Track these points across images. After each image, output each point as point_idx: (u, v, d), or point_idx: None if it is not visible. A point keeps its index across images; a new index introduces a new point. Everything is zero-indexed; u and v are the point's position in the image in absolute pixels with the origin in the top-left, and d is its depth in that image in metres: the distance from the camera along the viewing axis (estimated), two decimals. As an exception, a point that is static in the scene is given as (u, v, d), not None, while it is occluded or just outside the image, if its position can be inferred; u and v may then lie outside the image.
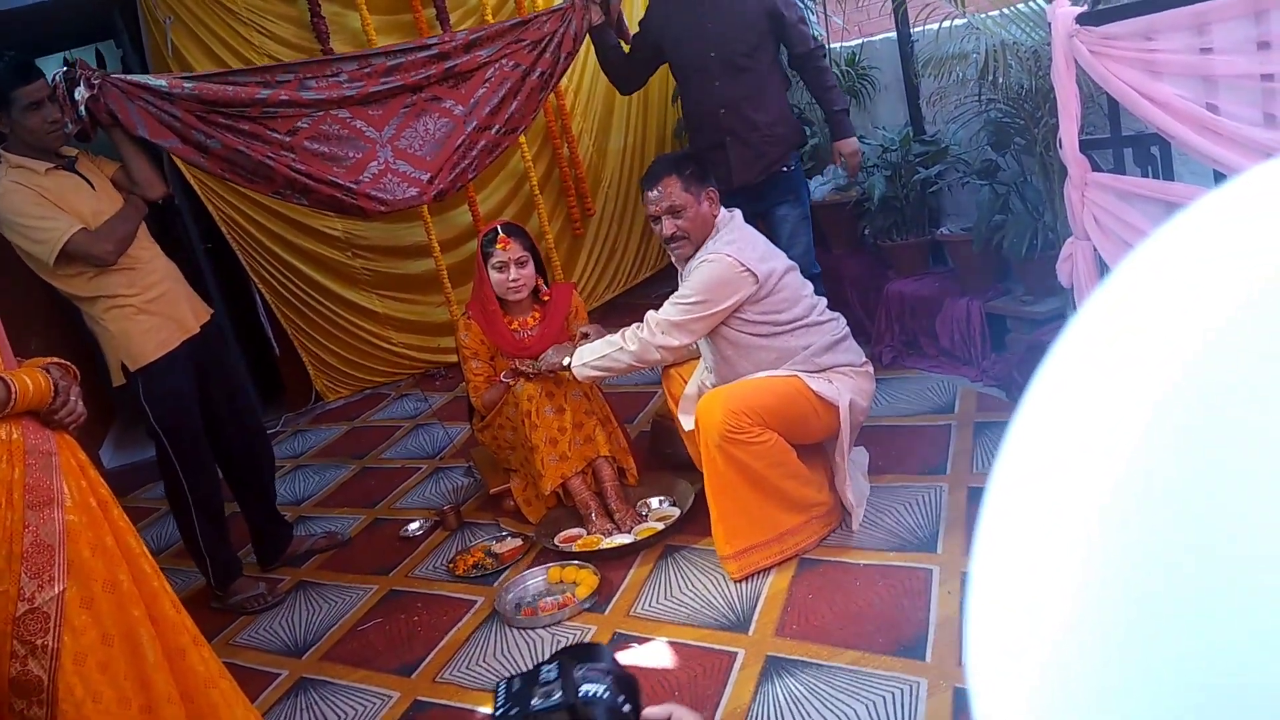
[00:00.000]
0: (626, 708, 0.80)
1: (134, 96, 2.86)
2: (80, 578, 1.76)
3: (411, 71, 3.18)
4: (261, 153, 3.02)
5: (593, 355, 2.84)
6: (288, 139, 3.07)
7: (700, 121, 3.42)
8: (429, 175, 3.22)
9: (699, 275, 2.67)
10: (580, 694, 0.77)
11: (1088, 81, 2.44)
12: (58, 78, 2.80)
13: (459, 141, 3.24)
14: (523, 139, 4.84)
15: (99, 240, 2.70)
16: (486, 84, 3.27)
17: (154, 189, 2.94)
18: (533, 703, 0.78)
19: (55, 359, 1.98)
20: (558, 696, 0.77)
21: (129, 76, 2.93)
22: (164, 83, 2.91)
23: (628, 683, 0.83)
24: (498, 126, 3.30)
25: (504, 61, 3.28)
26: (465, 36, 3.27)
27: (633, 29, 3.51)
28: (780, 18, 3.28)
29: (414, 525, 3.36)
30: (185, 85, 2.92)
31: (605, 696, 0.78)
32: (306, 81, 3.10)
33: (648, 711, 0.80)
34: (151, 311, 2.85)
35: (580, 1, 3.31)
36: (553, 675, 0.79)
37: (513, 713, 0.78)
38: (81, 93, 2.77)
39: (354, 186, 3.13)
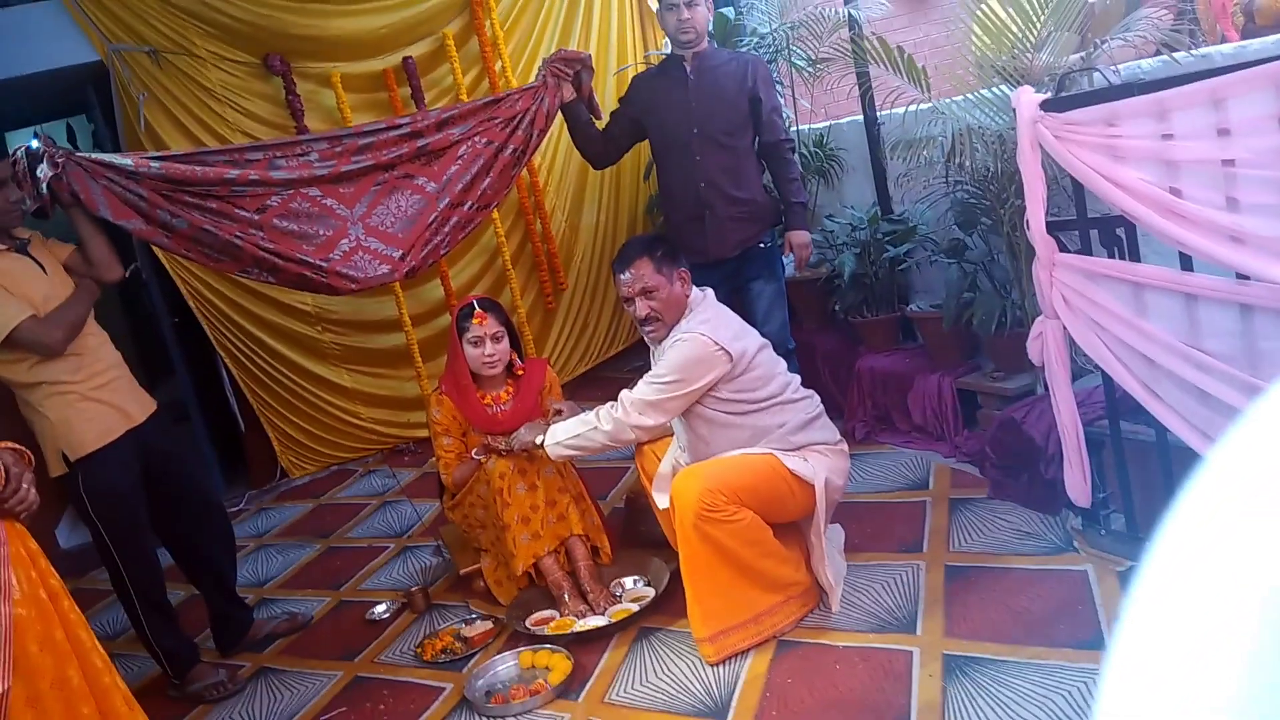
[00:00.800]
0: None
1: (98, 176, 2.79)
2: (26, 675, 1.68)
3: (383, 150, 3.18)
4: (229, 231, 2.96)
5: (566, 434, 2.81)
6: (256, 217, 3.02)
7: (680, 195, 3.48)
8: (401, 252, 3.20)
9: (673, 354, 2.67)
10: None
11: (1052, 165, 2.50)
12: (19, 154, 2.73)
13: (431, 218, 3.24)
14: (496, 214, 4.88)
15: (48, 328, 2.63)
16: (459, 161, 3.29)
17: (111, 271, 2.89)
18: None
19: (10, 444, 1.91)
20: None
21: (93, 155, 2.86)
22: (130, 162, 2.85)
23: None
24: (470, 203, 3.31)
25: (477, 139, 3.30)
26: (438, 115, 3.28)
27: (604, 108, 3.58)
28: (759, 102, 3.40)
29: (380, 608, 3.27)
30: (152, 165, 2.86)
31: None
32: (276, 160, 3.07)
33: None
34: (95, 399, 2.76)
35: (552, 80, 3.36)
36: None
37: None
38: (45, 170, 2.70)
39: (324, 264, 3.09)
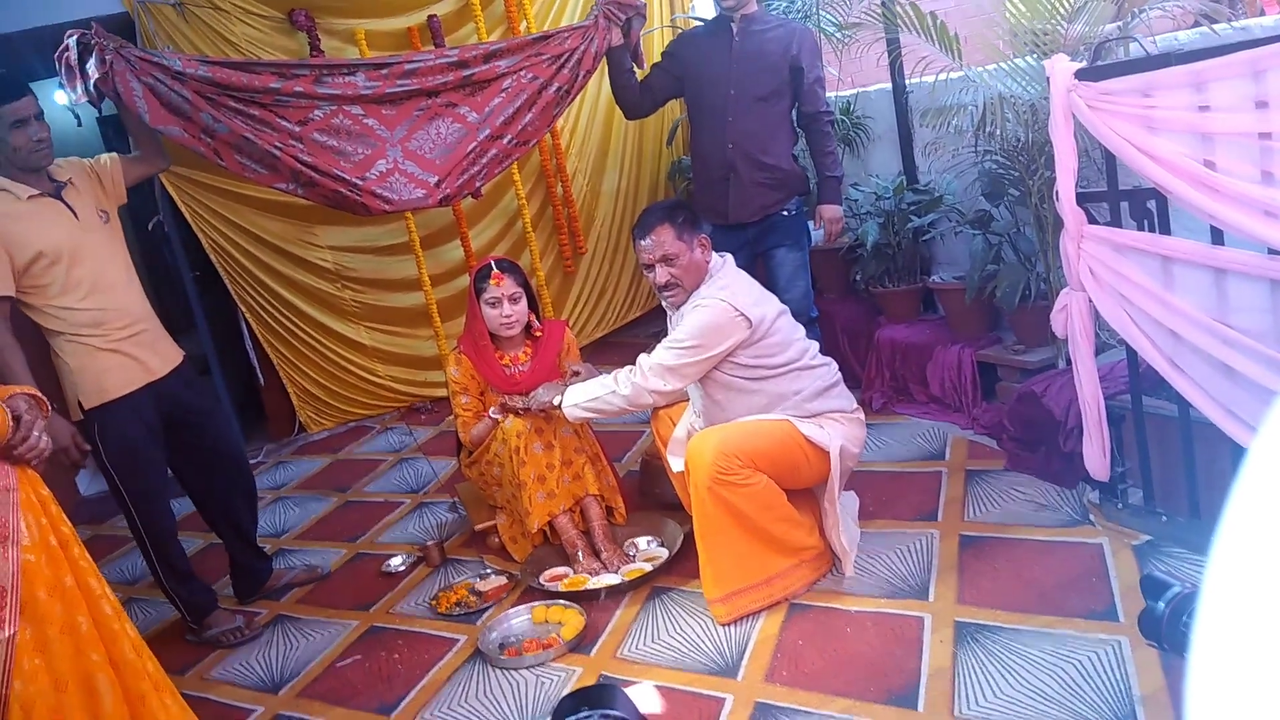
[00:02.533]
0: None
1: (144, 74, 2.82)
2: (35, 620, 1.69)
3: (429, 76, 3.20)
4: (269, 141, 2.99)
5: (584, 396, 2.82)
6: (297, 129, 3.06)
7: (708, 156, 3.46)
8: (437, 178, 3.22)
9: (692, 320, 2.66)
10: None
11: (1084, 135, 2.47)
12: (70, 43, 2.78)
13: (470, 148, 3.25)
14: (517, 177, 4.87)
15: None
16: (503, 94, 3.30)
17: (157, 161, 3.05)
18: None
19: (26, 389, 1.91)
20: None
21: (141, 51, 2.87)
22: (177, 62, 2.89)
23: None
24: (510, 137, 3.32)
25: (523, 73, 3.31)
26: (486, 47, 3.31)
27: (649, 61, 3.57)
28: (801, 72, 3.38)
29: (396, 560, 3.31)
30: (199, 68, 2.91)
31: None
32: (323, 77, 3.11)
33: None
34: (114, 350, 2.76)
35: (604, 22, 3.36)
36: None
37: None
38: (92, 67, 2.75)
39: (359, 183, 3.12)
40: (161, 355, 2.90)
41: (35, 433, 1.81)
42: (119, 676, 1.81)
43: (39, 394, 1.92)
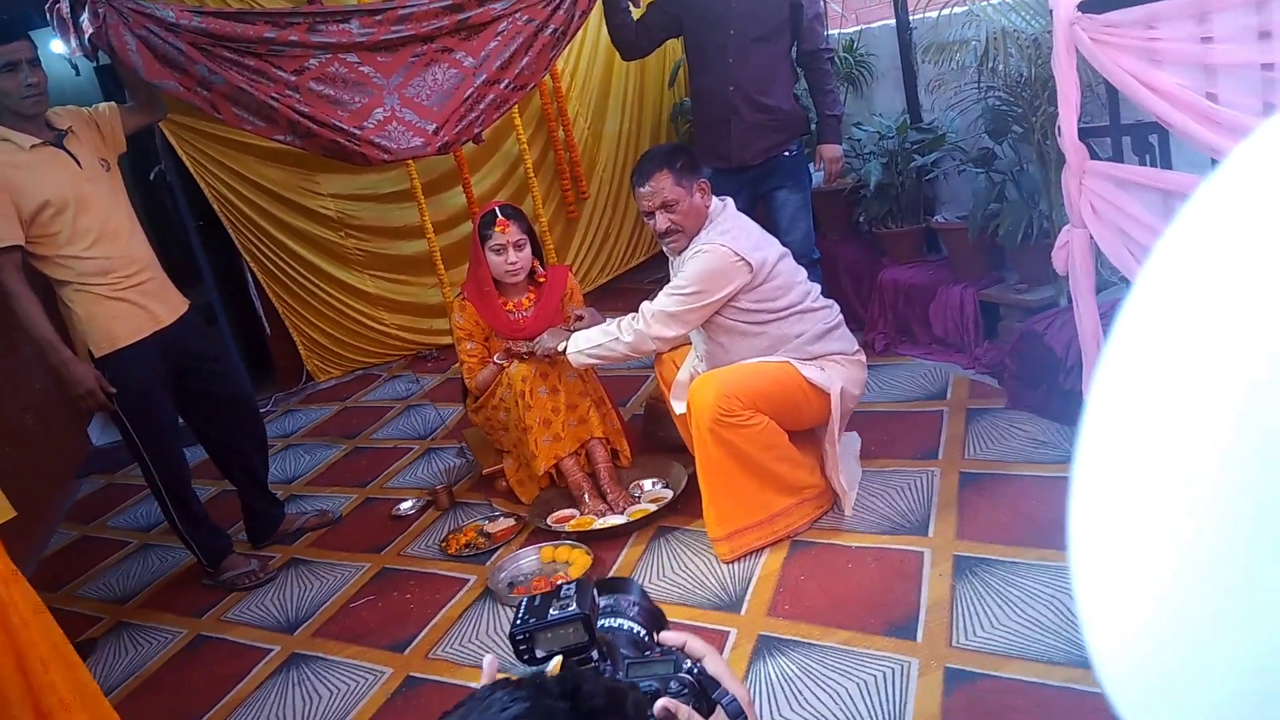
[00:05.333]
0: (640, 632, 0.82)
1: (137, 26, 2.81)
2: None
3: (423, 21, 3.17)
4: (266, 92, 2.98)
5: (588, 343, 2.84)
6: (293, 78, 3.04)
7: (708, 98, 3.43)
8: (435, 126, 3.21)
9: (693, 266, 2.67)
10: (600, 607, 0.80)
11: (1087, 70, 2.45)
12: None
13: (467, 93, 3.24)
14: (518, 121, 4.83)
15: (6, 279, 2.61)
16: (499, 37, 3.27)
17: (155, 111, 3.07)
18: (550, 614, 0.79)
19: None
20: (573, 608, 0.78)
21: (135, 4, 2.85)
22: (170, 13, 2.87)
23: (653, 615, 0.86)
24: (507, 81, 3.30)
25: (518, 15, 3.27)
26: None
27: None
28: (800, 9, 3.32)
29: (406, 505, 3.36)
30: (193, 19, 2.90)
31: (626, 624, 0.81)
32: (317, 25, 3.09)
33: (663, 635, 0.83)
34: (121, 299, 2.78)
35: None
36: (571, 591, 0.81)
37: (530, 622, 0.80)
38: (85, 21, 2.74)
39: (357, 132, 3.11)
40: (168, 304, 2.93)
41: None
42: (30, 687, 1.68)
43: None
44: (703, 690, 0.77)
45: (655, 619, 0.86)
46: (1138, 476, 0.27)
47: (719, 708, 0.77)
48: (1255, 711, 0.24)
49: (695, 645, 0.82)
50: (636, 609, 0.85)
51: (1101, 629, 0.28)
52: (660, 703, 0.72)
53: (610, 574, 2.68)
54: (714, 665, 0.80)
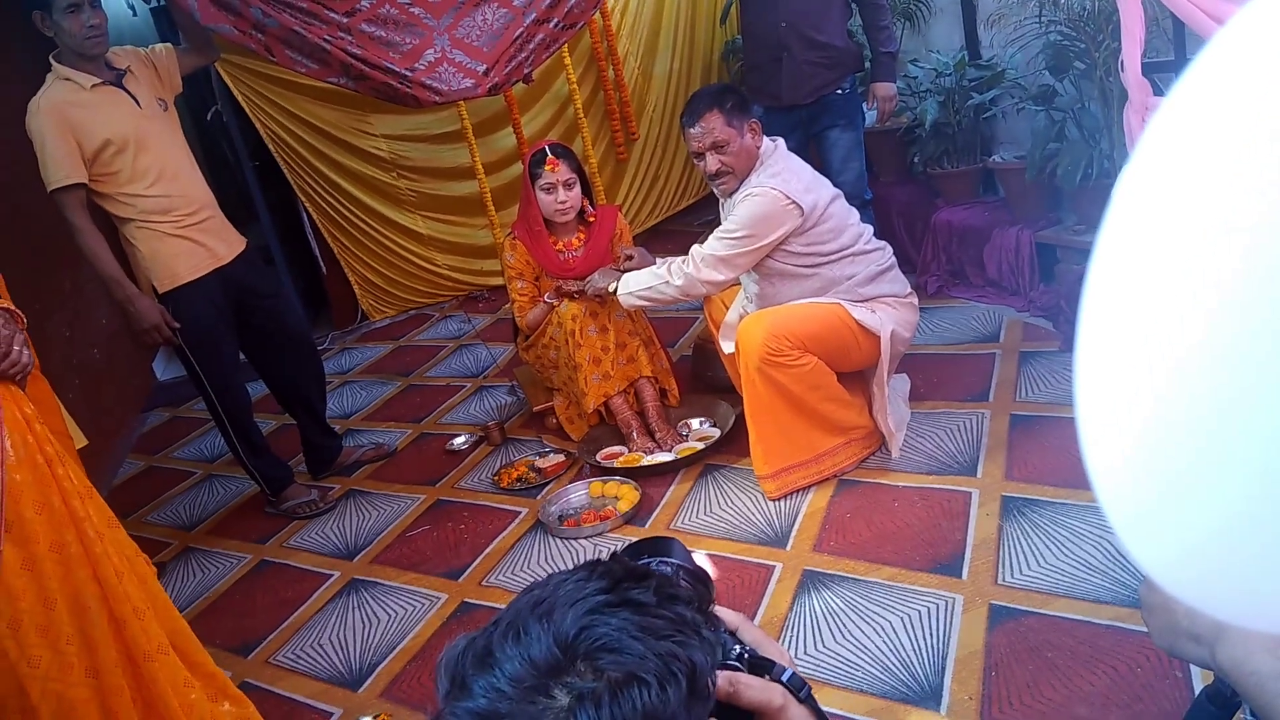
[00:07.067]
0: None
1: None
2: (21, 539, 1.65)
3: None
4: (319, 34, 3.02)
5: (639, 285, 2.86)
6: (345, 20, 3.07)
7: (760, 35, 3.39)
8: (485, 67, 3.22)
9: (744, 210, 2.65)
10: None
11: (1152, 2, 2.37)
12: None
13: (517, 34, 3.23)
14: (568, 61, 4.80)
15: (72, 213, 2.69)
16: None
17: (209, 52, 3.13)
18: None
19: (4, 305, 1.83)
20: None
21: None
22: None
23: (698, 576, 0.77)
24: (556, 20, 3.29)
25: None
26: None
27: None
28: None
29: (459, 440, 3.44)
30: None
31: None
32: None
33: (719, 610, 0.73)
34: (182, 236, 2.87)
35: None
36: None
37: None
38: None
39: (408, 74, 3.14)
40: (227, 242, 3.01)
41: (16, 347, 1.73)
42: (105, 596, 1.75)
43: (13, 309, 1.83)
44: (757, 672, 0.69)
45: (701, 581, 0.75)
46: (1139, 289, 0.28)
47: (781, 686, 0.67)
48: (1249, 532, 0.25)
49: (727, 616, 0.73)
50: (681, 572, 0.75)
51: (1098, 443, 0.30)
52: (723, 675, 0.64)
53: (658, 509, 2.73)
54: (750, 635, 0.72)
